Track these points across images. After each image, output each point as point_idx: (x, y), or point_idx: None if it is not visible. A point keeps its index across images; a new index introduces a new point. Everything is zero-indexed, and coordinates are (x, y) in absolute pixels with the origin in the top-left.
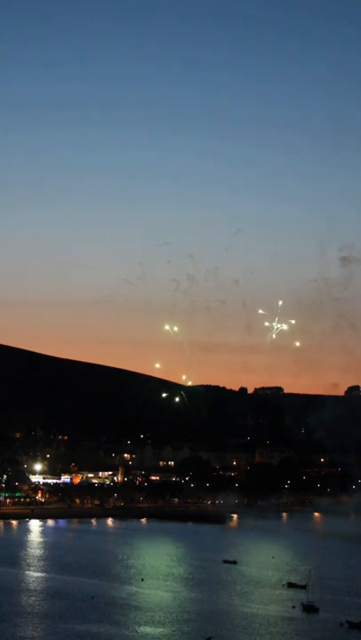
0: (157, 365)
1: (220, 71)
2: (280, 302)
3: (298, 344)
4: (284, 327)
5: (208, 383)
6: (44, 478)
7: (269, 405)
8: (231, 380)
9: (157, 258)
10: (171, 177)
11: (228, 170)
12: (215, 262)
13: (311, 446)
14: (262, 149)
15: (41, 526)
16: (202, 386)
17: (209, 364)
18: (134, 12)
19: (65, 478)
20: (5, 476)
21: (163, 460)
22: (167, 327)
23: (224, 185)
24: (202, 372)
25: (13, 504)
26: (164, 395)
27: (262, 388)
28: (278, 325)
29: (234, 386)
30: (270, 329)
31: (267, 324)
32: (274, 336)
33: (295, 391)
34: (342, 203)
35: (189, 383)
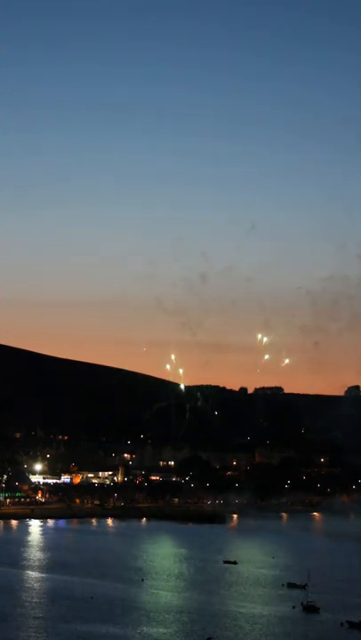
0: (168, 367)
1: (238, 73)
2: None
3: (308, 344)
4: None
5: (208, 383)
6: (44, 478)
7: (269, 405)
8: (231, 380)
9: (167, 256)
10: (181, 176)
11: (240, 168)
12: (228, 260)
13: (311, 446)
14: (277, 149)
15: (41, 526)
16: (202, 386)
17: (210, 363)
18: (134, 12)
19: (65, 478)
20: (5, 476)
21: (163, 460)
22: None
23: (237, 183)
24: (201, 371)
25: (13, 504)
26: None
27: (262, 388)
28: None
29: (234, 386)
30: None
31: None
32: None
33: (295, 391)
34: (356, 201)
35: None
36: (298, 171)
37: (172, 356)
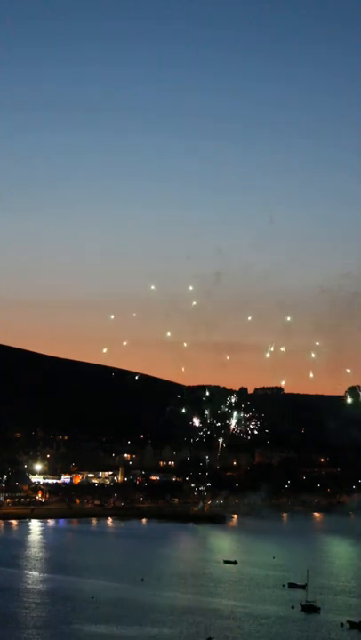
0: (183, 369)
1: (264, 79)
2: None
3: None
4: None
5: (208, 383)
6: (44, 478)
7: (269, 405)
8: (231, 380)
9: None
10: (194, 175)
11: (255, 166)
12: (244, 258)
13: (311, 446)
14: (292, 148)
15: (41, 526)
16: (200, 386)
17: (209, 363)
18: (135, 13)
19: (65, 478)
20: (5, 476)
21: (163, 460)
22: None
23: (252, 180)
24: (201, 371)
25: (13, 504)
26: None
27: (262, 388)
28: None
29: (234, 385)
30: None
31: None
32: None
33: (295, 391)
34: None
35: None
36: (313, 168)
37: (178, 349)
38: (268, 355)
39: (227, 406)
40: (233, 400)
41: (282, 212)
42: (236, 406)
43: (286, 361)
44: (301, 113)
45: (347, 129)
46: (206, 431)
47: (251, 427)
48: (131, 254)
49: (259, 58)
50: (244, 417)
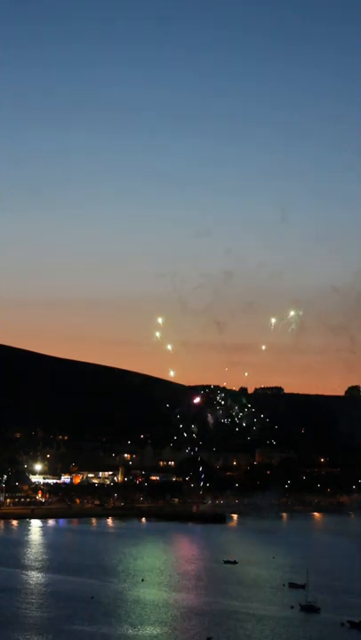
0: (171, 373)
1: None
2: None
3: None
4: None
5: (208, 383)
6: (44, 478)
7: (269, 405)
8: (233, 380)
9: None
10: (201, 175)
11: (261, 168)
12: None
13: (311, 446)
14: (303, 149)
15: (41, 526)
16: (200, 386)
17: (210, 363)
18: (135, 14)
19: (65, 478)
20: (5, 476)
21: (163, 460)
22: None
23: (262, 180)
24: (203, 371)
25: (13, 504)
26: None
27: (262, 388)
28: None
29: (234, 385)
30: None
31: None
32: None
33: (295, 391)
34: None
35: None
36: (320, 168)
37: (169, 346)
38: (264, 347)
39: (227, 406)
40: (232, 400)
41: (291, 212)
42: (237, 406)
43: (291, 360)
44: (301, 113)
45: (348, 130)
46: (206, 431)
47: (251, 427)
48: (132, 254)
49: (259, 58)
50: (244, 417)
